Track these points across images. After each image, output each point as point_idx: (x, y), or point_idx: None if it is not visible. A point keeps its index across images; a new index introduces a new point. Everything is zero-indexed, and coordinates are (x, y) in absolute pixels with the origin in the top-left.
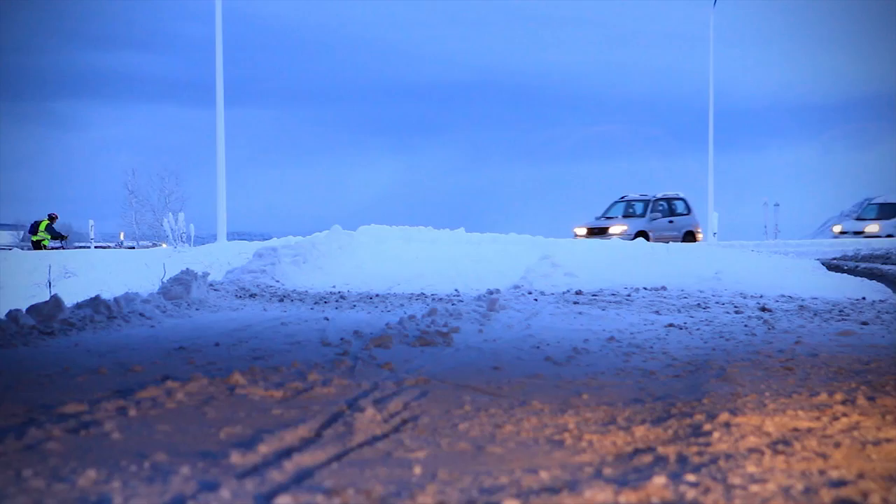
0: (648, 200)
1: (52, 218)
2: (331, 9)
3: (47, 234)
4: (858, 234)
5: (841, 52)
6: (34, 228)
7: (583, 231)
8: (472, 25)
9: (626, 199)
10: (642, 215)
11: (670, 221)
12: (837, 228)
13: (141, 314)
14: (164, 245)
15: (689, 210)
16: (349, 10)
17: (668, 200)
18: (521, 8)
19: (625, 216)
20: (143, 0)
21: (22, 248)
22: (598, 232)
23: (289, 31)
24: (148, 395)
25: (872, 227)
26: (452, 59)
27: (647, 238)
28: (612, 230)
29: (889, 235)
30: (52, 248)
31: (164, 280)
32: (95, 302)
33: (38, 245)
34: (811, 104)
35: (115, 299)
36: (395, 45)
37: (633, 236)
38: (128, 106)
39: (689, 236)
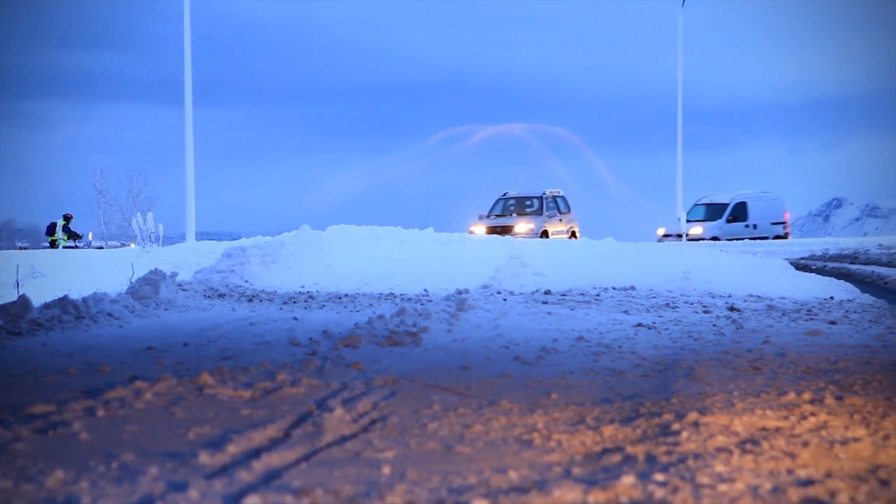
0: (542, 197)
1: (67, 218)
2: (300, 10)
3: (64, 234)
4: (680, 236)
5: (809, 53)
6: (51, 229)
7: (482, 229)
8: (441, 26)
9: (514, 196)
10: (538, 212)
11: (560, 220)
12: (661, 231)
13: (109, 314)
14: (133, 245)
15: (569, 208)
16: (319, 11)
17: (555, 198)
18: (490, 9)
19: (521, 214)
20: (113, 0)
21: None
22: (500, 230)
23: (258, 31)
24: (116, 396)
25: (696, 230)
26: (422, 60)
27: (547, 235)
28: (517, 228)
29: (714, 238)
30: (66, 248)
31: (133, 280)
32: (64, 302)
33: (53, 245)
34: (779, 105)
35: (84, 299)
36: (364, 46)
37: (539, 234)
38: (97, 105)
39: (573, 234)
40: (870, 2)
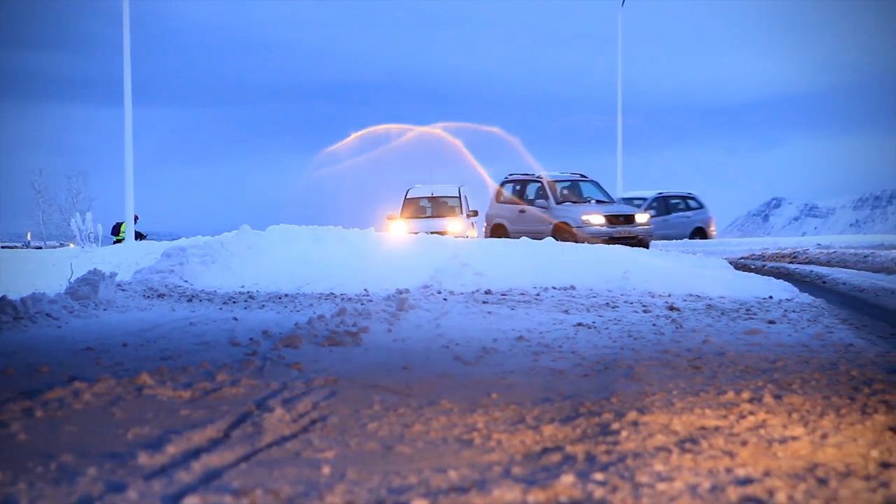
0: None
1: (134, 219)
2: (238, 11)
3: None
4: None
5: (746, 54)
6: (116, 229)
7: (403, 227)
8: (380, 27)
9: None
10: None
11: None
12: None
13: (48, 314)
14: (72, 245)
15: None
16: (255, 11)
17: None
18: (429, 10)
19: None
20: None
21: None
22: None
23: (199, 31)
24: (55, 396)
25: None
26: (358, 60)
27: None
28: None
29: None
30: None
31: (72, 280)
32: (1, 302)
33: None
34: (716, 105)
35: (22, 300)
36: (301, 47)
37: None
38: (35, 105)
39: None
40: (807, 3)
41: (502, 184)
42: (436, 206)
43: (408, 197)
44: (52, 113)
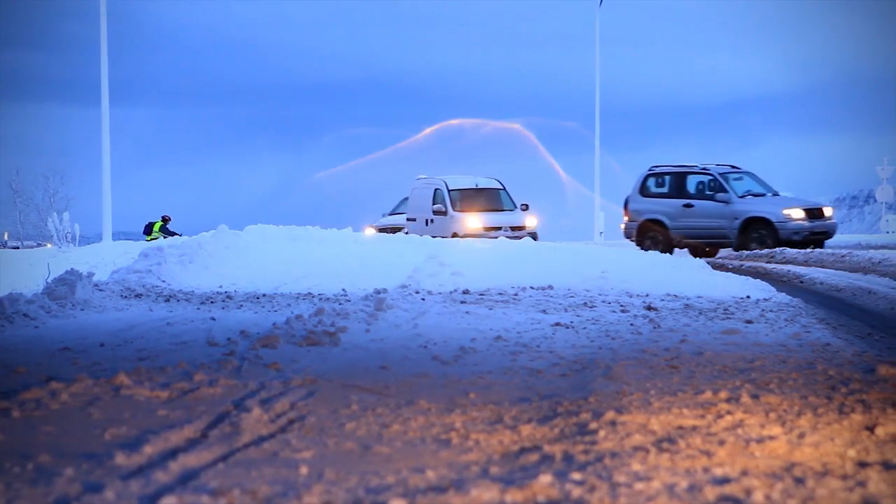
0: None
1: (165, 220)
2: (215, 9)
3: (162, 234)
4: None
5: (723, 53)
6: (149, 229)
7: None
8: (357, 25)
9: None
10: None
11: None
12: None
13: (25, 315)
14: (49, 245)
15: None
16: (233, 10)
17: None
18: (407, 7)
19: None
20: None
21: None
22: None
23: (176, 31)
24: (32, 397)
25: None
26: (338, 59)
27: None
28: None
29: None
30: None
31: (49, 280)
32: None
33: None
34: (693, 105)
35: None
36: (279, 45)
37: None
38: (12, 105)
39: None
40: (785, 3)
41: (646, 176)
42: (489, 200)
43: (452, 188)
44: (30, 113)
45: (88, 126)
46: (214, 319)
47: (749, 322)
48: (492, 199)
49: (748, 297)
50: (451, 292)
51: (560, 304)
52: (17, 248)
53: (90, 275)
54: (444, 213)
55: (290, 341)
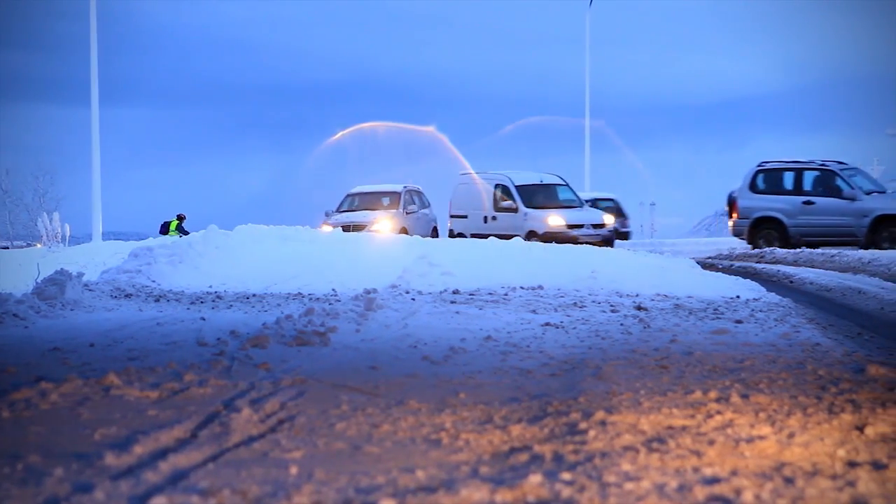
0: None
1: (180, 218)
2: (206, 9)
3: (178, 233)
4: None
5: (712, 54)
6: (165, 228)
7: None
8: (348, 25)
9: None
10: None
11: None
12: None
13: (14, 315)
14: (39, 245)
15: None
16: (224, 10)
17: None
18: (398, 8)
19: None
20: None
21: None
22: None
23: (166, 30)
24: (21, 397)
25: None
26: (328, 59)
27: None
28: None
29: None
30: None
31: (39, 280)
32: None
33: None
34: (683, 105)
35: None
36: (270, 45)
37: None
38: (2, 104)
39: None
40: (773, 4)
41: (756, 172)
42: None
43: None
44: (19, 112)
45: (78, 126)
46: (204, 319)
47: (739, 322)
48: (556, 194)
49: (738, 296)
50: (441, 292)
51: (550, 304)
52: (7, 248)
53: (80, 275)
54: (515, 211)
55: (279, 341)
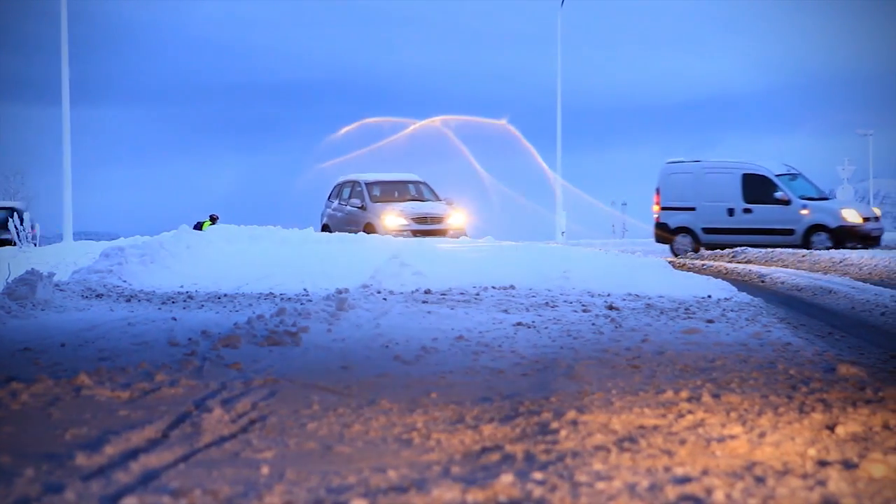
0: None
1: (213, 219)
2: (181, 8)
3: None
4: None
5: (682, 54)
6: (198, 228)
7: (398, 223)
8: (319, 25)
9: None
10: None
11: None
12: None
13: None
14: (10, 245)
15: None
16: (195, 9)
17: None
18: (369, 7)
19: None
20: None
21: None
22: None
23: (139, 29)
24: None
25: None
26: (299, 59)
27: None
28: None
29: None
30: None
31: (9, 280)
32: None
33: None
34: (652, 105)
35: None
36: (241, 45)
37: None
38: None
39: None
40: (743, 4)
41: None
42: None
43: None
44: None
45: (49, 126)
46: (176, 319)
47: (710, 322)
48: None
49: (709, 296)
50: (412, 292)
51: (522, 304)
52: None
53: (51, 275)
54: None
55: (251, 341)
